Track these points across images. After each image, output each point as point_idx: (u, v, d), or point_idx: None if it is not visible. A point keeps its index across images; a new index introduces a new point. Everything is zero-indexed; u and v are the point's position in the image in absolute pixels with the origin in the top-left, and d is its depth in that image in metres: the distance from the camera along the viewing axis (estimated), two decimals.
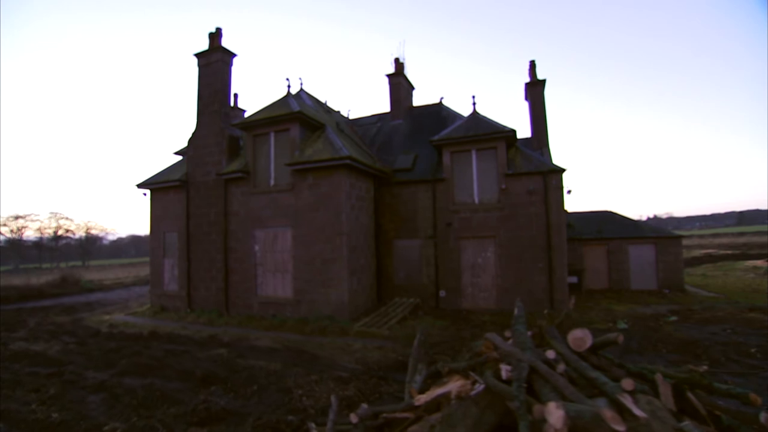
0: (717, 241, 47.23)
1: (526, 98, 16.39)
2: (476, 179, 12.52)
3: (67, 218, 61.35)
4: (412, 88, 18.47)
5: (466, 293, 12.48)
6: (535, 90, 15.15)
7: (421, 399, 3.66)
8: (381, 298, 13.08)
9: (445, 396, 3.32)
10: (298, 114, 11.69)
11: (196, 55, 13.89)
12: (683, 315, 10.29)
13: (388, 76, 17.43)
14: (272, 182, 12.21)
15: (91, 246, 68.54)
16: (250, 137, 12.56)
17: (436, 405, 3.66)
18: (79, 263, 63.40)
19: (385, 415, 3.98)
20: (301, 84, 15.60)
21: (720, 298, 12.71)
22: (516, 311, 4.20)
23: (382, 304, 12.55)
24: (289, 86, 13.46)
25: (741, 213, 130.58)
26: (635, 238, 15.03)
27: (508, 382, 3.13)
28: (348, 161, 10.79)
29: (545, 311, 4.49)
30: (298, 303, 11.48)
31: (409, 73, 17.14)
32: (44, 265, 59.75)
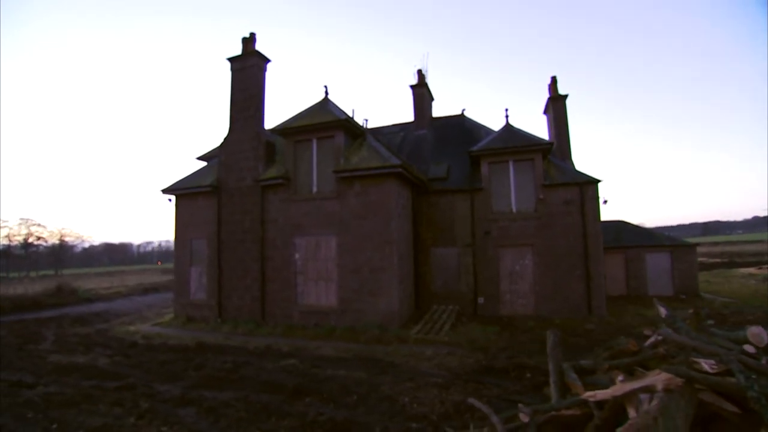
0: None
1: (545, 112, 17.10)
2: (514, 189, 12.88)
3: (39, 225, 57.89)
4: (432, 99, 18.87)
5: (504, 300, 12.71)
6: (557, 104, 15.81)
7: (600, 394, 3.74)
8: (419, 305, 13.10)
9: (642, 390, 3.44)
10: (345, 122, 11.74)
11: (230, 59, 13.71)
12: (716, 319, 10.87)
13: (412, 87, 17.74)
14: (315, 189, 12.11)
15: (63, 254, 64.66)
16: (290, 143, 12.45)
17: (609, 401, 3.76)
18: (51, 272, 59.54)
19: (553, 412, 4.07)
20: (326, 93, 15.60)
21: (737, 303, 13.51)
22: (664, 312, 4.42)
23: (422, 311, 12.57)
24: (326, 93, 13.50)
25: (705, 224, 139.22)
26: (652, 246, 15.83)
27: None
28: (400, 170, 10.89)
29: (690, 310, 4.72)
30: (343, 312, 11.33)
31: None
32: (11, 274, 55.70)
